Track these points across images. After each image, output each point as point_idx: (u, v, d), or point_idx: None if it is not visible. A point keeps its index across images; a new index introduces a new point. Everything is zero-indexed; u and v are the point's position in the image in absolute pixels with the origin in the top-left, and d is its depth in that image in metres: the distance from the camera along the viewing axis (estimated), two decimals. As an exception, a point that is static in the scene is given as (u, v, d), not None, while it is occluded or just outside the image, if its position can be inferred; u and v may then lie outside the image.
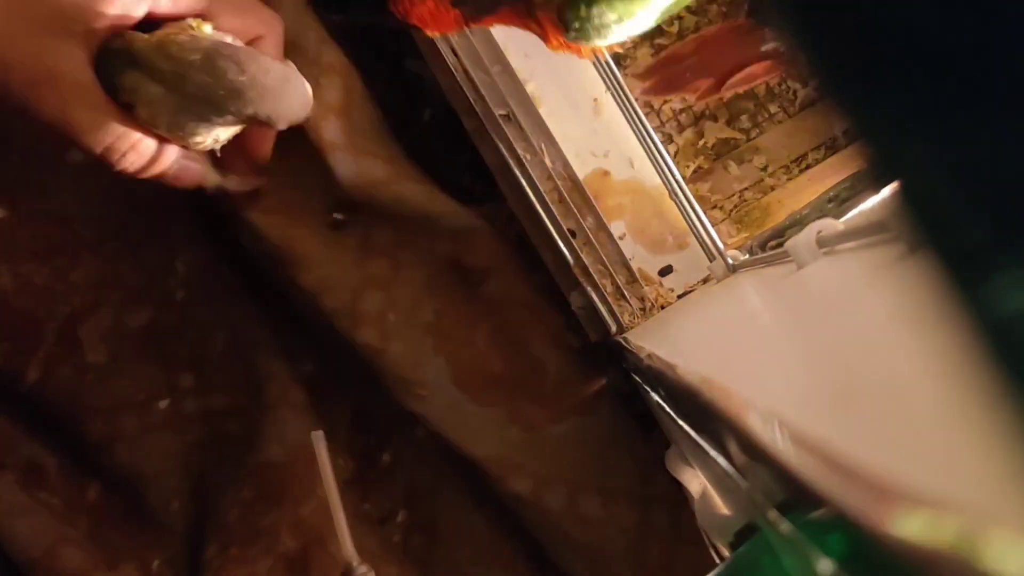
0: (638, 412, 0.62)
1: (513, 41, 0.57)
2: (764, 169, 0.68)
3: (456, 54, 0.57)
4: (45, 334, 0.55)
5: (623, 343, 0.54)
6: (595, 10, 0.40)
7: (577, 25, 0.41)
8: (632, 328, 0.57)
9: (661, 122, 0.69)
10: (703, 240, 0.58)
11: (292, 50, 0.57)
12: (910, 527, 0.14)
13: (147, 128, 0.42)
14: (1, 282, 0.54)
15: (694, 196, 0.59)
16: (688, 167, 0.67)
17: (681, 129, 0.68)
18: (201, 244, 0.62)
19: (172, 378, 0.59)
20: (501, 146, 0.57)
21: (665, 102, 0.70)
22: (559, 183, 0.57)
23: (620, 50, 0.61)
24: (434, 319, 0.60)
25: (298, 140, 0.57)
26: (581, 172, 0.58)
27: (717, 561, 0.57)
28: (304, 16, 0.58)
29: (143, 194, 0.59)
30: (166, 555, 0.57)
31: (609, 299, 0.57)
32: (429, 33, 0.51)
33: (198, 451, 0.59)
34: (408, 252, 0.60)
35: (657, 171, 0.59)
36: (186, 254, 0.61)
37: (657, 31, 0.68)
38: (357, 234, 0.60)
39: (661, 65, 0.54)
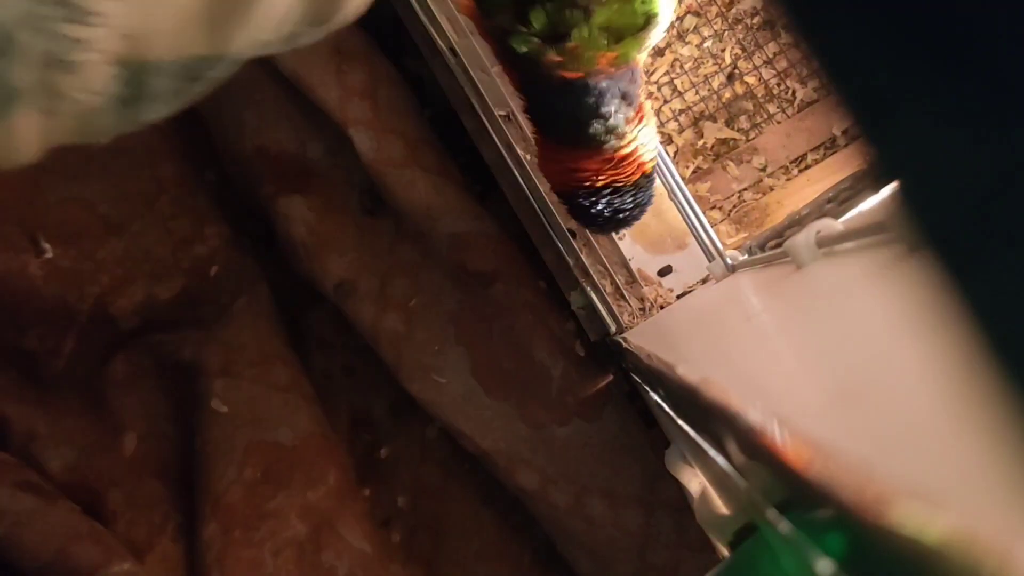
0: (643, 417, 0.62)
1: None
2: (763, 169, 0.68)
3: (456, 54, 0.57)
4: (77, 316, 0.56)
5: (623, 343, 0.54)
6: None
7: None
8: (631, 328, 0.57)
9: (661, 123, 0.69)
10: (702, 240, 0.58)
11: None
12: (909, 526, 0.14)
13: None
14: (30, 270, 0.55)
15: (693, 196, 0.59)
16: (687, 167, 0.67)
17: (680, 130, 0.68)
18: (227, 217, 0.63)
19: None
20: (501, 146, 0.57)
21: (665, 102, 0.70)
22: (559, 183, 0.57)
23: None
24: (457, 308, 0.61)
25: (331, 122, 0.58)
26: (581, 172, 0.58)
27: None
28: None
29: (167, 173, 0.61)
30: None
31: (609, 299, 0.57)
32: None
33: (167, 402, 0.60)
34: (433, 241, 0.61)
35: (656, 171, 0.59)
36: (214, 225, 0.63)
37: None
38: (389, 219, 0.62)
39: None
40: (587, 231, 0.58)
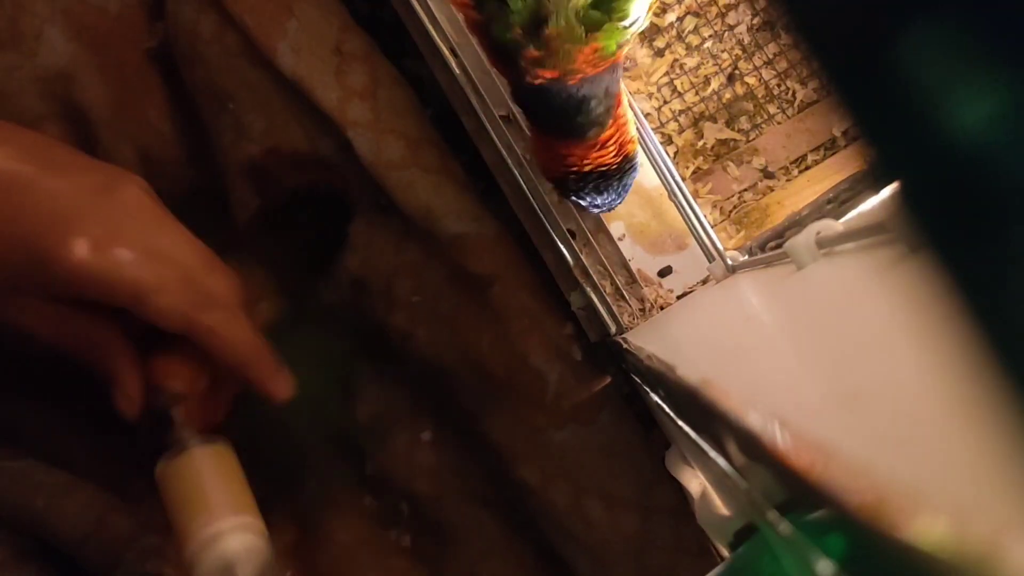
0: (642, 420, 0.62)
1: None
2: (763, 170, 0.68)
3: (456, 54, 0.57)
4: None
5: (622, 344, 0.54)
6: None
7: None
8: (631, 329, 0.57)
9: (660, 123, 0.69)
10: (702, 241, 0.58)
11: (313, 38, 0.57)
12: (910, 528, 0.14)
13: None
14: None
15: (693, 197, 0.59)
16: (687, 168, 0.67)
17: (680, 130, 0.68)
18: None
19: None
20: (501, 147, 0.57)
21: (665, 103, 0.70)
22: (559, 184, 0.57)
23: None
24: (451, 313, 0.61)
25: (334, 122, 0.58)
26: (580, 173, 0.58)
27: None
28: (326, 3, 0.58)
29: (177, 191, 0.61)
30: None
31: (609, 300, 0.57)
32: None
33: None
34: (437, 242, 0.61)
35: (656, 172, 0.59)
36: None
37: (656, 31, 0.68)
38: (398, 217, 0.62)
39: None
40: (583, 227, 0.58)
